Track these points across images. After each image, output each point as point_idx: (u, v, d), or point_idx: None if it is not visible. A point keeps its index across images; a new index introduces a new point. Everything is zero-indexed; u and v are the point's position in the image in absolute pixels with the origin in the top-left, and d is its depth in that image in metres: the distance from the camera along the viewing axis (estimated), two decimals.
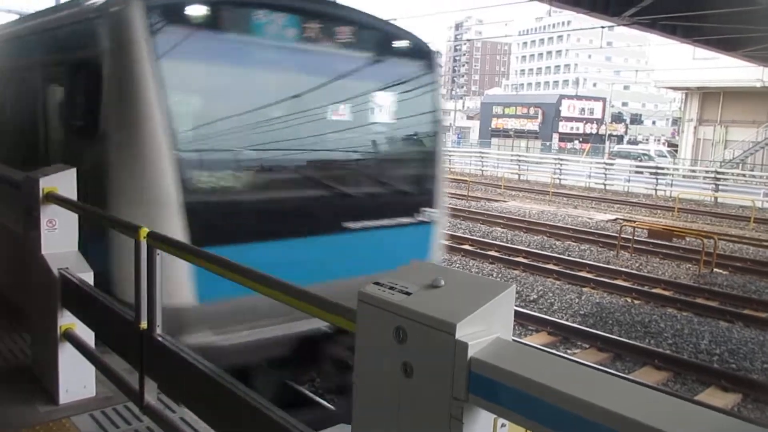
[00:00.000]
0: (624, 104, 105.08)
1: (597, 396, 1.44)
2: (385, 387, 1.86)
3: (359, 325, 1.95)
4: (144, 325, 3.46)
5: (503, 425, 1.78)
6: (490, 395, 1.61)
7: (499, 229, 19.65)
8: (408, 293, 1.85)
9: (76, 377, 4.82)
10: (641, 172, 33.96)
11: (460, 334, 1.66)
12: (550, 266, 14.48)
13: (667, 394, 1.48)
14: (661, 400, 1.45)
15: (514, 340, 1.86)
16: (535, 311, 11.24)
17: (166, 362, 3.33)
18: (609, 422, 1.38)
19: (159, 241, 3.37)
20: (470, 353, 1.64)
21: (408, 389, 1.79)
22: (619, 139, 66.69)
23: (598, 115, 67.89)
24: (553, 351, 9.28)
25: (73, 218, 4.87)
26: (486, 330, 1.72)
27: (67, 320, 4.65)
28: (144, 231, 3.40)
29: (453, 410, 1.67)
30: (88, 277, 4.75)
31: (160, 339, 3.39)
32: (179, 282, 4.68)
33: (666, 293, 12.67)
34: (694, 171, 34.94)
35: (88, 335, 4.67)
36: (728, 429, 1.35)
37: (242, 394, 2.73)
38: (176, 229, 4.67)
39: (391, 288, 1.91)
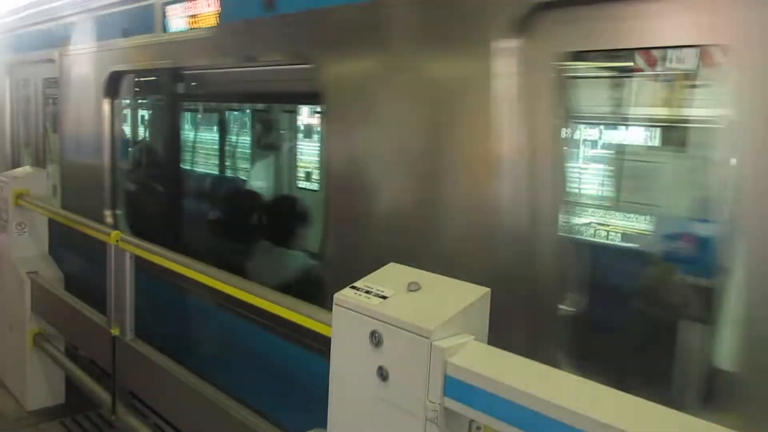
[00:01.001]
0: None
1: (572, 400, 1.45)
2: (360, 391, 1.85)
3: (335, 329, 1.94)
4: (116, 330, 3.42)
5: (478, 428, 1.79)
6: (465, 399, 1.62)
7: None
8: (384, 297, 1.85)
9: (45, 383, 4.74)
10: None
11: (436, 338, 1.67)
12: None
13: (640, 399, 1.49)
14: (634, 403, 1.47)
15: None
16: None
17: (139, 367, 3.29)
18: (584, 426, 1.40)
19: (130, 244, 3.33)
20: (446, 357, 1.64)
21: (383, 393, 1.79)
22: None
23: None
24: None
25: (43, 222, 4.79)
26: (461, 334, 1.72)
27: (37, 325, 4.56)
28: (116, 234, 3.35)
29: (428, 414, 1.67)
30: (59, 280, 4.67)
31: (132, 344, 3.35)
32: None
33: None
34: None
35: (58, 340, 4.59)
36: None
37: (215, 397, 2.70)
38: None
39: (367, 292, 1.90)
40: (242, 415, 2.57)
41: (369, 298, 1.87)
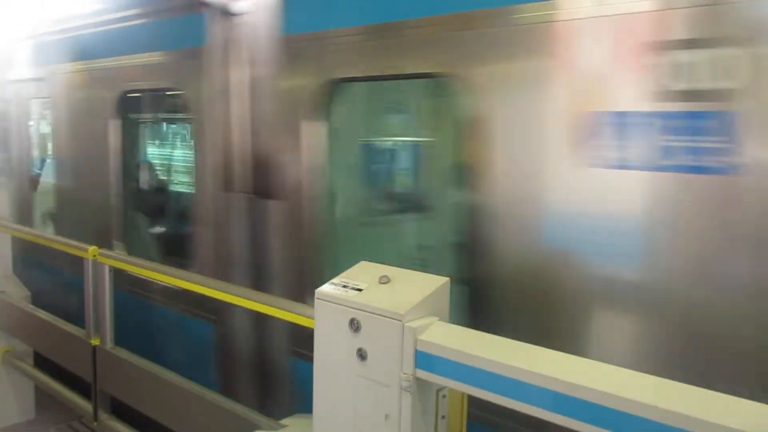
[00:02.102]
0: None
1: (521, 361, 1.80)
2: (342, 371, 2.16)
3: (317, 320, 2.24)
4: (96, 340, 3.60)
5: (444, 396, 2.13)
6: (434, 368, 1.95)
7: None
8: (360, 290, 2.17)
9: (15, 400, 4.82)
10: None
11: (407, 320, 2.00)
12: None
13: (574, 356, 1.85)
14: (569, 360, 1.82)
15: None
16: None
17: (121, 374, 3.49)
18: (533, 380, 1.75)
19: (108, 257, 3.53)
20: (416, 335, 1.97)
21: (363, 371, 2.11)
22: None
23: None
24: None
25: (5, 240, 4.86)
26: (428, 316, 2.06)
27: (6, 343, 4.65)
28: (94, 249, 3.54)
29: (403, 384, 2.00)
30: (26, 298, 4.77)
31: (113, 352, 3.54)
32: None
33: None
34: None
35: (27, 356, 4.69)
36: (625, 382, 1.74)
37: (203, 394, 2.95)
38: None
39: (344, 286, 2.22)
40: (229, 406, 2.83)
41: (347, 291, 2.19)
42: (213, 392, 2.96)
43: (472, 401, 2.09)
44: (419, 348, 1.98)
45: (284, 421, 2.60)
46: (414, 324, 1.99)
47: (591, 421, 1.63)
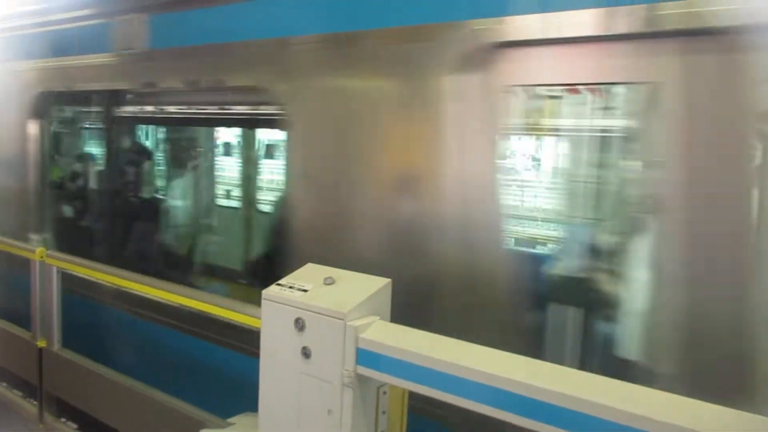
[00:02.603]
0: None
1: (455, 358, 1.91)
2: (287, 369, 2.23)
3: (264, 319, 2.31)
4: (42, 342, 3.57)
5: (384, 392, 2.23)
6: (374, 365, 2.04)
7: None
8: (305, 290, 2.25)
9: None
10: None
11: (349, 319, 2.09)
12: None
13: (522, 356, 1.95)
14: (515, 360, 1.93)
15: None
16: None
17: (68, 375, 3.47)
18: (464, 374, 1.86)
19: (56, 259, 3.51)
20: (357, 333, 2.06)
21: (307, 368, 2.18)
22: None
23: None
24: None
25: None
26: (369, 315, 2.15)
27: None
28: (41, 251, 3.52)
29: (345, 380, 2.08)
30: None
31: (60, 354, 3.52)
32: None
33: None
34: None
35: None
36: (541, 372, 1.86)
37: (151, 393, 2.98)
38: None
39: (290, 287, 2.29)
40: (177, 405, 2.86)
41: (293, 292, 2.26)
42: (161, 392, 2.98)
43: None
44: (360, 346, 2.07)
45: (231, 420, 2.65)
46: (356, 323, 2.08)
47: (527, 415, 1.75)
